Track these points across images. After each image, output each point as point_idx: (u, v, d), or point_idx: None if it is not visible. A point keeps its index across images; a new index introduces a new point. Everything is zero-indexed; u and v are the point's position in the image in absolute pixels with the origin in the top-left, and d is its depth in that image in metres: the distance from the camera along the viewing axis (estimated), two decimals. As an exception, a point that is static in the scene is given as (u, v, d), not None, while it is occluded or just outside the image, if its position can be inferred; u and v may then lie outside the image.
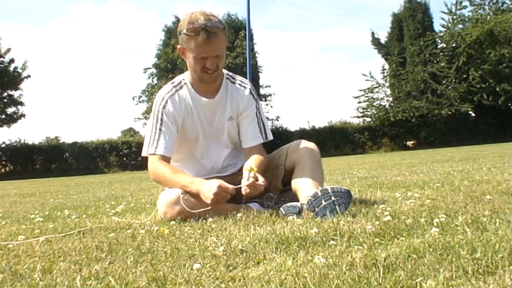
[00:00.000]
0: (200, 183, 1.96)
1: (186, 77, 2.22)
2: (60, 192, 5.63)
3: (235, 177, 2.24)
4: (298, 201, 1.94)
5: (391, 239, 1.29)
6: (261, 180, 1.93)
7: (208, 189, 1.90)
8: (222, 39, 2.05)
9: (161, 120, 2.13)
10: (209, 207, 1.93)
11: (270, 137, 2.26)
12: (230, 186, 1.90)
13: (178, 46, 2.12)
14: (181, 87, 2.20)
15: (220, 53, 2.07)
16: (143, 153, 2.15)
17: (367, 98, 24.85)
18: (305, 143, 2.21)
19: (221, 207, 2.04)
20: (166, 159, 2.11)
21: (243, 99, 2.23)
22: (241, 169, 2.27)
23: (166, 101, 2.16)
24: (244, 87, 2.26)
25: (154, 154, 2.10)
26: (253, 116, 2.24)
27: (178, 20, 23.19)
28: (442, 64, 23.36)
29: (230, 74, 2.29)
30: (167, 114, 2.14)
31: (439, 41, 24.35)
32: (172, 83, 2.24)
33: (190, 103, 2.18)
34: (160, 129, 2.12)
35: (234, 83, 2.26)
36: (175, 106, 2.16)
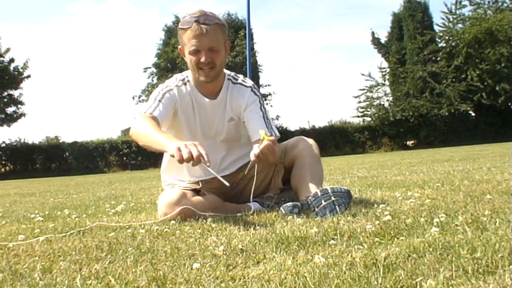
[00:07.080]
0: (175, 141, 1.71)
1: (189, 74, 2.18)
2: (60, 191, 5.63)
3: (234, 176, 2.24)
4: (298, 200, 1.94)
5: (391, 238, 1.29)
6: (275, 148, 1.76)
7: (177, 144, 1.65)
8: (218, 34, 1.99)
9: (163, 95, 2.07)
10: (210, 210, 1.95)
11: (277, 134, 2.11)
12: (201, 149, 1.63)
13: (179, 46, 2.10)
14: (185, 84, 2.16)
15: (215, 46, 1.99)
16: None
17: (366, 98, 24.85)
18: (303, 139, 2.19)
19: (222, 207, 2.03)
20: (155, 119, 1.97)
21: (244, 96, 2.16)
22: (239, 168, 2.26)
23: (172, 88, 2.12)
24: (246, 86, 2.20)
25: (145, 113, 1.99)
26: (258, 110, 2.15)
27: (178, 19, 23.20)
28: (442, 63, 23.35)
29: (232, 74, 2.24)
30: (171, 95, 2.09)
31: (439, 40, 24.35)
32: (178, 78, 2.19)
33: (193, 100, 2.14)
34: (159, 101, 2.05)
35: (235, 83, 2.20)
36: (180, 94, 2.12)
